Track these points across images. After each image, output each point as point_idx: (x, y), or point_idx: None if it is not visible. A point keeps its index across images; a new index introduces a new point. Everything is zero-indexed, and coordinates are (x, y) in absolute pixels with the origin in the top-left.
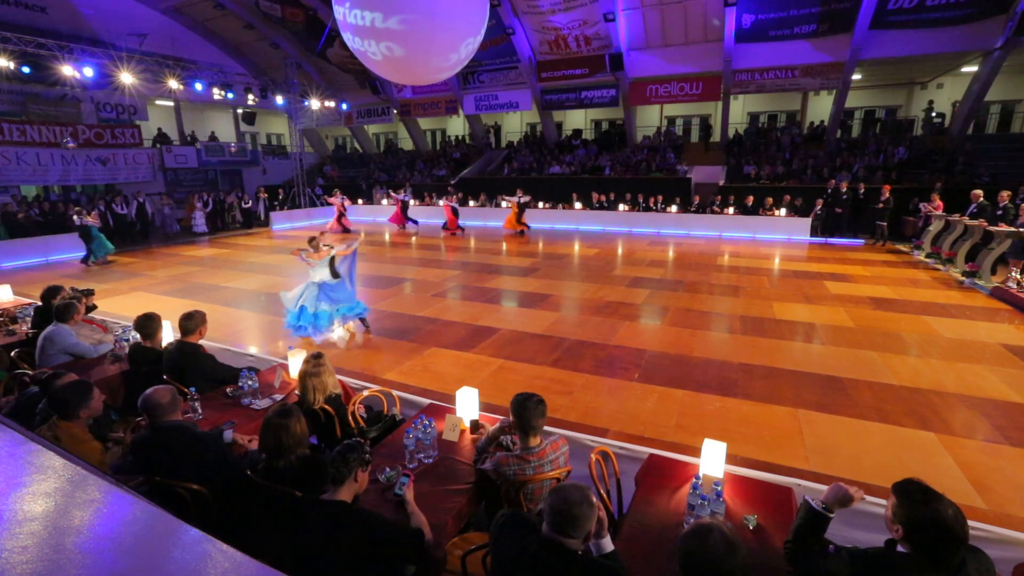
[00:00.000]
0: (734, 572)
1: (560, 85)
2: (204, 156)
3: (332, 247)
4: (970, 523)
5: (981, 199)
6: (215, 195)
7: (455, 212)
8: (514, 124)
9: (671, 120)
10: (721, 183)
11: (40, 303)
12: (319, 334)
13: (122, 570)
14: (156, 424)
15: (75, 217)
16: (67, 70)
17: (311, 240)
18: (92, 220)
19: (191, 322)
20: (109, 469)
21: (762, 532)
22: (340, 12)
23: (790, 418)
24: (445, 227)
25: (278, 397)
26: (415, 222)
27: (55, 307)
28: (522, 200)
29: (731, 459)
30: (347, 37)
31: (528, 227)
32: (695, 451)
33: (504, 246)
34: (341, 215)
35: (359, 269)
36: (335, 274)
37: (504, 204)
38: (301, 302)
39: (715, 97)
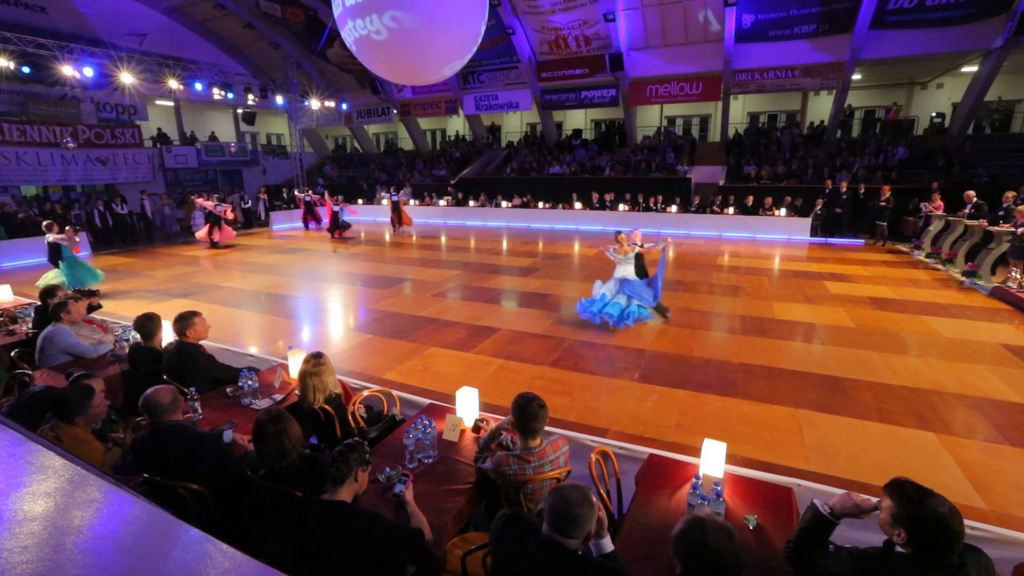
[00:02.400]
0: (733, 555)
1: (560, 85)
2: (204, 156)
3: (639, 245)
4: (970, 523)
5: (975, 199)
6: (216, 196)
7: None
8: (514, 124)
9: (671, 120)
10: (721, 183)
11: (39, 303)
12: (611, 323)
13: (122, 570)
14: (157, 424)
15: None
16: (67, 70)
17: (617, 235)
18: (64, 238)
19: (180, 324)
20: (109, 469)
21: (762, 532)
22: (338, 1)
23: (790, 418)
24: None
25: (278, 397)
26: (315, 224)
27: (51, 308)
28: (395, 198)
29: (731, 459)
30: (347, 30)
31: (403, 227)
32: (695, 451)
33: (505, 246)
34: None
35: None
36: (641, 273)
37: (384, 201)
38: (603, 291)
39: (715, 97)
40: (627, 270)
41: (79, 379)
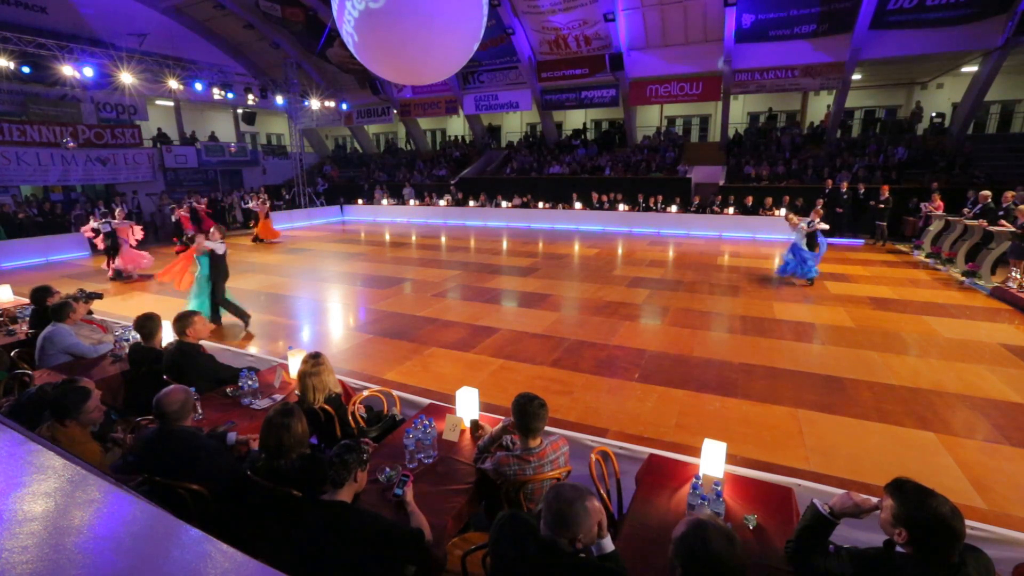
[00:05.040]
0: (735, 560)
1: (560, 85)
2: (204, 156)
3: (805, 222)
4: (970, 523)
5: (989, 200)
6: (210, 195)
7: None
8: (514, 124)
9: (671, 120)
10: (721, 183)
11: (32, 304)
12: (799, 275)
13: (122, 570)
14: (164, 428)
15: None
16: (67, 70)
17: (787, 216)
18: (214, 240)
19: (180, 323)
20: (109, 469)
21: (762, 532)
22: None
23: (790, 418)
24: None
25: (278, 397)
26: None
27: (51, 307)
28: (259, 204)
29: (731, 459)
30: (346, 16)
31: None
32: (695, 451)
33: (505, 245)
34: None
35: None
36: (811, 245)
37: (251, 204)
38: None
39: (715, 97)
40: (800, 239)
41: (72, 381)
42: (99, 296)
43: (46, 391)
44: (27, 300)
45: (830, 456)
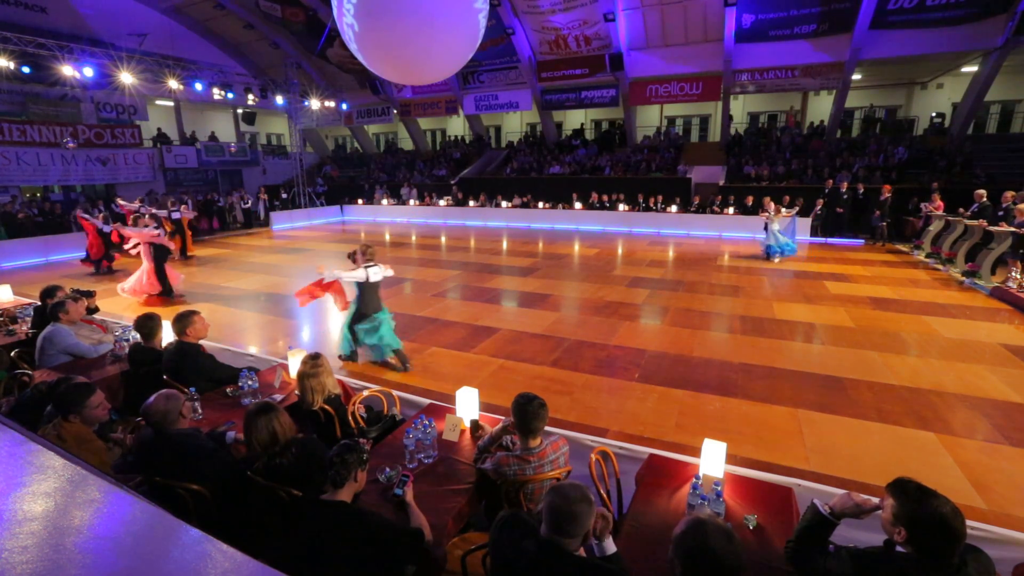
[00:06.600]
0: (734, 557)
1: (560, 85)
2: (204, 156)
3: (783, 214)
4: (970, 523)
5: (984, 199)
6: (207, 195)
7: (100, 234)
8: (514, 124)
9: (671, 120)
10: (721, 183)
11: (39, 303)
12: (778, 255)
13: (122, 570)
14: (161, 431)
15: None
16: (67, 70)
17: (775, 204)
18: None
19: (180, 323)
20: (111, 468)
21: (762, 532)
22: None
23: (790, 418)
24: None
25: (278, 397)
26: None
27: (49, 307)
28: (175, 215)
29: (731, 459)
30: (346, 7)
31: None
32: (695, 451)
33: (505, 245)
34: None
35: None
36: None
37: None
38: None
39: (715, 97)
40: (775, 226)
41: (69, 378)
42: (91, 294)
43: (40, 389)
44: (27, 300)
45: (830, 456)
